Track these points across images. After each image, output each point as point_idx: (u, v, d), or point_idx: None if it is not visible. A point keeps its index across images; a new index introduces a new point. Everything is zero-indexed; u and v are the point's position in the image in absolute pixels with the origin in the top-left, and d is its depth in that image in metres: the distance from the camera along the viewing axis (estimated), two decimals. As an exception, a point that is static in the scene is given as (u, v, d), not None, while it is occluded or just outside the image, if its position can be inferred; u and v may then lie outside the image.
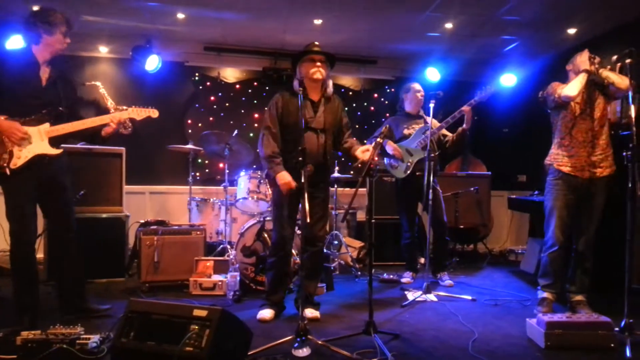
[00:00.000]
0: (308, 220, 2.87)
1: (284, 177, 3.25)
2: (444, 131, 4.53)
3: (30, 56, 3.01)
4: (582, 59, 3.45)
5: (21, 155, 2.93)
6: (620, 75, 3.35)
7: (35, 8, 3.07)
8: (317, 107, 3.40)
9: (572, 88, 3.36)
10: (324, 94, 3.44)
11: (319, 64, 3.33)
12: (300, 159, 2.91)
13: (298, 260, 3.93)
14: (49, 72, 3.09)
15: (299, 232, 3.90)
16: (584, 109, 3.49)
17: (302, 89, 3.27)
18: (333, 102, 3.48)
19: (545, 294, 3.62)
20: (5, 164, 2.88)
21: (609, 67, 3.41)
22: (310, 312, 3.35)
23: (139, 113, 3.31)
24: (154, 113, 3.37)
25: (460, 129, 4.42)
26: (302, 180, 2.88)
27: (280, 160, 3.32)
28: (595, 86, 3.48)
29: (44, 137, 3.01)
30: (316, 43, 3.41)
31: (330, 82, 3.45)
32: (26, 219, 3.01)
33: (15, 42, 5.10)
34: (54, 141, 3.07)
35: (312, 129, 3.35)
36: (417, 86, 4.66)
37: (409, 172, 4.47)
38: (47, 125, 3.03)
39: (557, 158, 3.58)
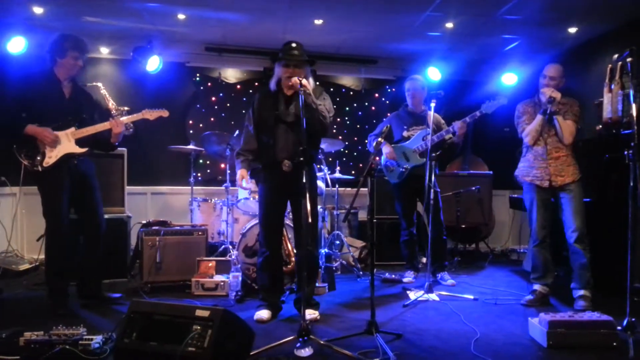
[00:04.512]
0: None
1: (241, 174, 3.47)
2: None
3: (52, 75, 3.51)
4: (545, 94, 3.62)
5: (52, 155, 3.38)
6: (567, 126, 3.63)
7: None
8: (290, 101, 3.40)
9: (530, 137, 3.76)
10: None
11: (291, 68, 3.30)
12: (302, 158, 2.95)
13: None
14: (71, 87, 3.58)
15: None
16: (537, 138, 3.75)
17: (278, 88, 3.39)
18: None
19: (535, 286, 3.84)
20: (37, 164, 3.35)
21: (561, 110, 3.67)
22: (309, 314, 3.31)
23: (152, 114, 3.75)
24: (165, 113, 3.80)
25: (450, 139, 4.36)
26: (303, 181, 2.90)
27: (245, 159, 3.48)
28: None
29: (71, 139, 3.47)
30: (293, 45, 3.33)
31: (310, 78, 3.39)
32: (60, 214, 3.43)
33: (17, 43, 5.12)
34: (80, 143, 3.51)
35: (284, 122, 3.37)
36: (410, 83, 4.51)
37: (403, 178, 4.44)
38: (72, 129, 3.49)
39: (522, 171, 3.86)
